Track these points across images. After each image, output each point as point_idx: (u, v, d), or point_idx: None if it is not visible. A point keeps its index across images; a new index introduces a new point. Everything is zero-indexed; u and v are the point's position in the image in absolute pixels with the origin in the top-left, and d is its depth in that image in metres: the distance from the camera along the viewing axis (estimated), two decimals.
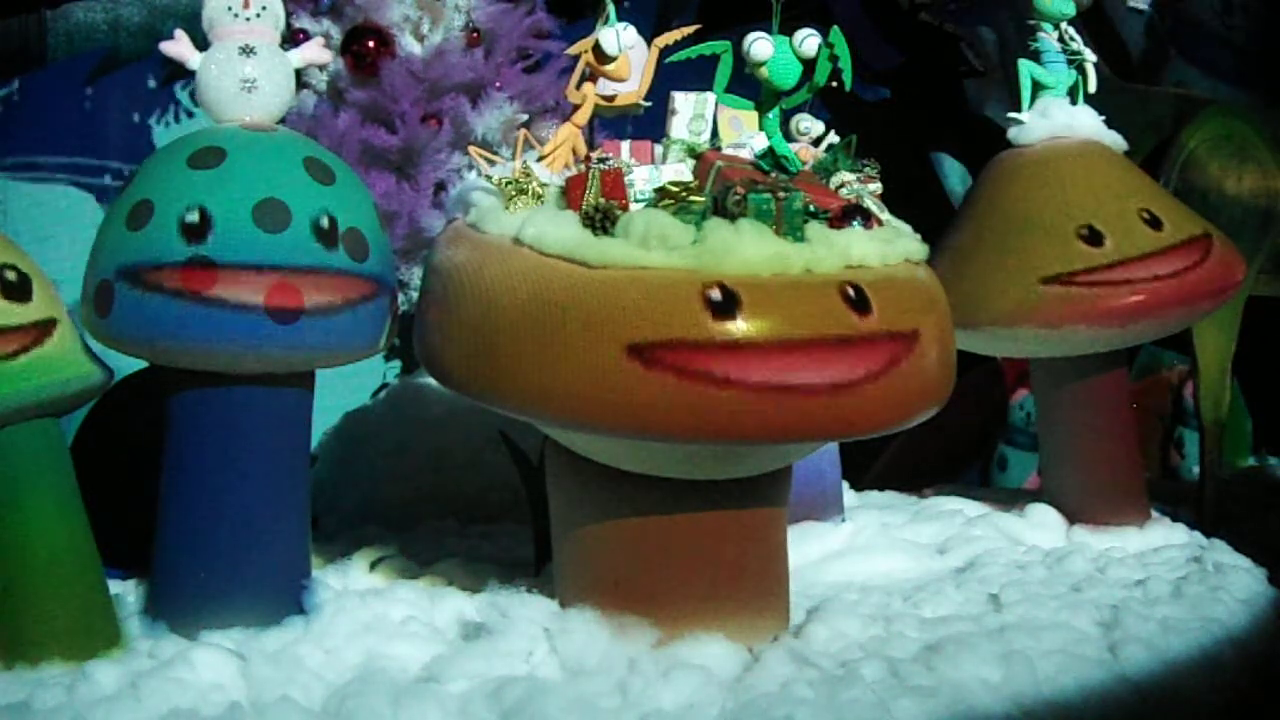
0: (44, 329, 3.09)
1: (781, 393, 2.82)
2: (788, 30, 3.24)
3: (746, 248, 2.86)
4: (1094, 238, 4.11)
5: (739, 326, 2.80)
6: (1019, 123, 4.39)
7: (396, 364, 5.27)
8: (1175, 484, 5.68)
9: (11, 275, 3.07)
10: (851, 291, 2.90)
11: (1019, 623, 3.35)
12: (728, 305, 2.80)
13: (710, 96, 3.26)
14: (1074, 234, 4.12)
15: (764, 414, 2.83)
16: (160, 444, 3.33)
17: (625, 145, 3.22)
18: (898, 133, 5.53)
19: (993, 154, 4.52)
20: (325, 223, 3.18)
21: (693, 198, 3.00)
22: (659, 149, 3.25)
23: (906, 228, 3.24)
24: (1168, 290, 4.13)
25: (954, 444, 5.39)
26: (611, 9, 3.20)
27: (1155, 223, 4.17)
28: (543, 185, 3.09)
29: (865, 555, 4.03)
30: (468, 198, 3.23)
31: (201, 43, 3.32)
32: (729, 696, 2.85)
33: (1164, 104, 5.25)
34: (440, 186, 4.53)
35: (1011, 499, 4.69)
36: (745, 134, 3.30)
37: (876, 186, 3.29)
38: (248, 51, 3.28)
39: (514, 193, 3.07)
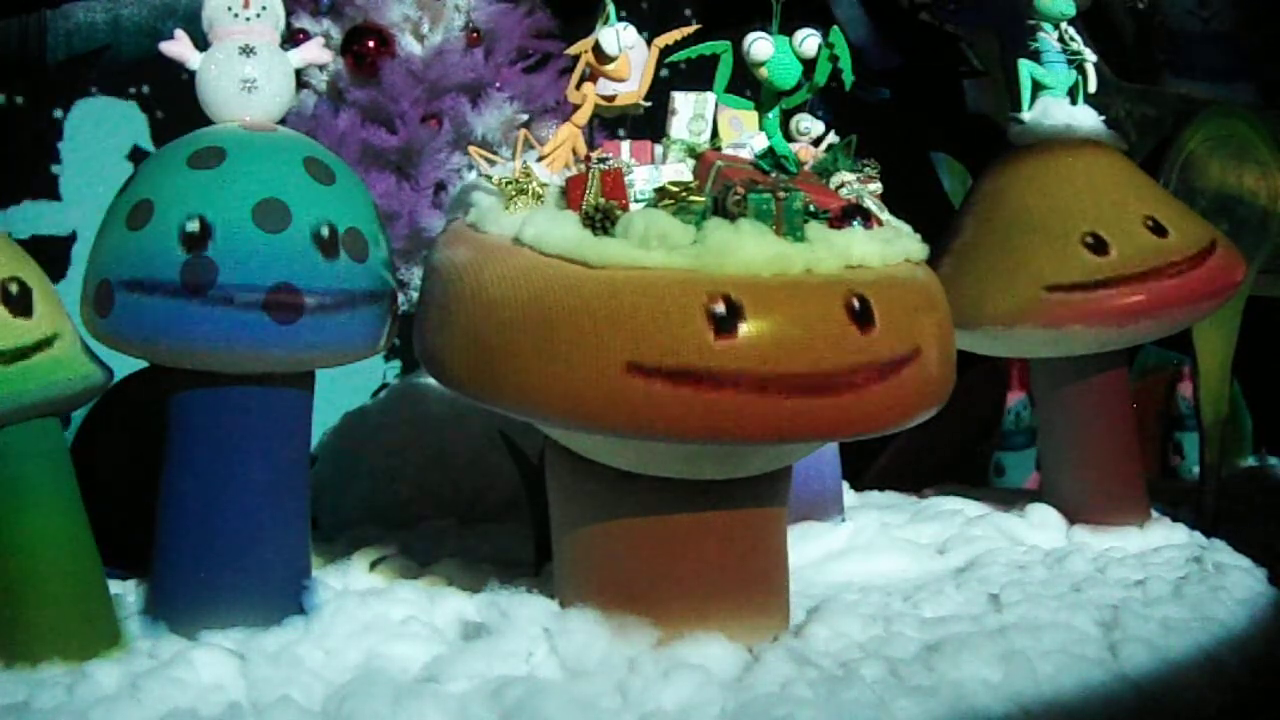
0: (44, 345, 3.09)
1: (782, 404, 2.82)
2: (788, 30, 3.24)
3: (746, 248, 2.86)
4: (1099, 246, 4.10)
5: (741, 344, 2.79)
6: (1019, 123, 4.39)
7: (396, 364, 5.28)
8: (1175, 484, 5.68)
9: (14, 288, 3.07)
10: (856, 304, 2.89)
11: (1019, 623, 3.35)
12: (730, 320, 2.79)
13: (710, 96, 3.26)
14: (1078, 240, 4.12)
15: (764, 422, 2.84)
16: (160, 444, 3.33)
17: (625, 145, 3.22)
18: (898, 133, 5.52)
19: (993, 154, 4.52)
20: (325, 232, 3.18)
21: (693, 198, 3.00)
22: (659, 149, 3.25)
23: (906, 228, 3.24)
24: (1168, 291, 4.13)
25: (954, 444, 5.39)
26: (611, 9, 3.20)
27: (1160, 230, 4.16)
28: (543, 185, 3.09)
29: (865, 555, 4.03)
30: (468, 198, 3.23)
31: (201, 43, 3.33)
32: (729, 696, 2.85)
33: (1164, 104, 5.25)
34: (440, 186, 4.53)
35: (1011, 499, 4.69)
36: (745, 134, 3.30)
37: (876, 186, 3.28)
38: (248, 51, 3.28)
39: (514, 193, 3.08)
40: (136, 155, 4.96)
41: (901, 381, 2.95)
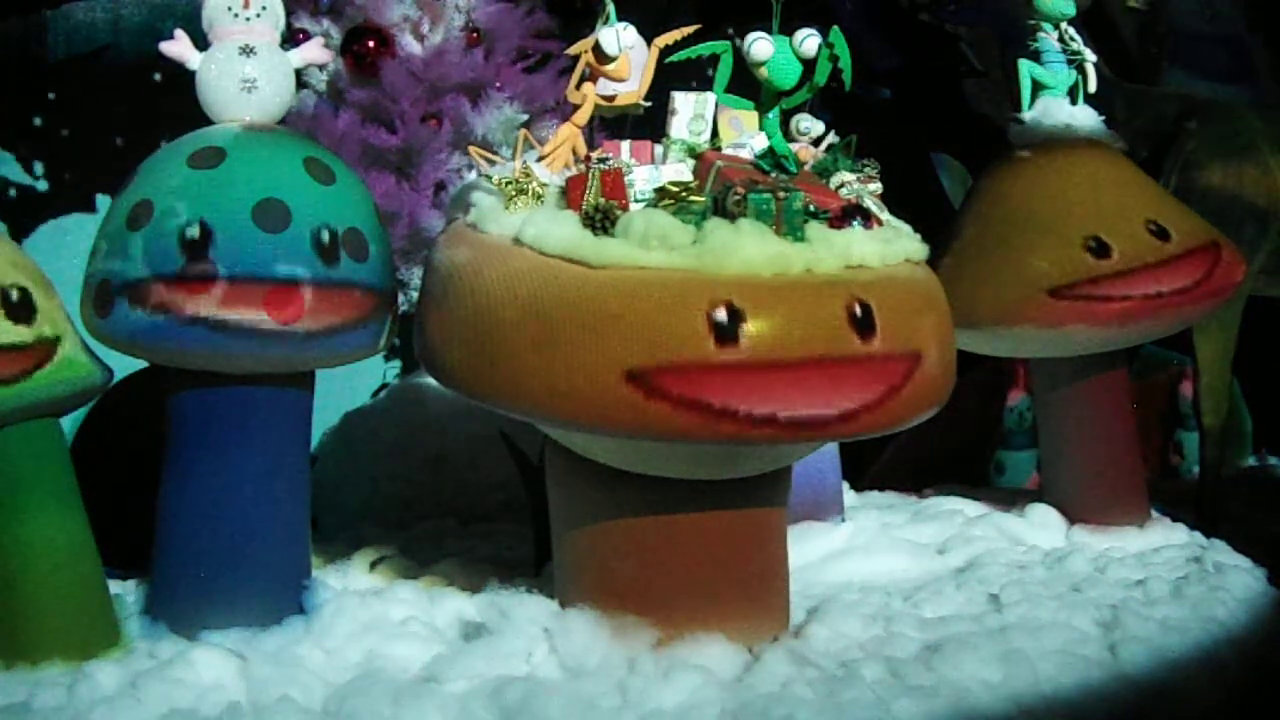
0: (46, 348, 3.08)
1: (783, 423, 2.81)
2: (788, 30, 3.24)
3: (747, 248, 2.86)
4: (1101, 249, 4.10)
5: (741, 355, 2.78)
6: (1019, 123, 4.39)
7: (396, 364, 5.28)
8: (1175, 484, 5.68)
9: (15, 294, 3.07)
10: (859, 310, 2.89)
11: (1019, 623, 3.35)
12: (731, 328, 2.79)
13: (710, 96, 3.26)
14: (1080, 244, 4.11)
15: (764, 437, 2.83)
16: (160, 444, 3.33)
17: (625, 145, 3.22)
18: (898, 133, 5.52)
19: (993, 154, 4.52)
20: (325, 237, 3.18)
21: (693, 198, 3.00)
22: (659, 149, 3.25)
23: (906, 228, 3.24)
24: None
25: (954, 443, 5.39)
26: (612, 9, 3.20)
27: (1162, 233, 4.16)
28: (543, 185, 3.09)
29: (865, 555, 4.03)
30: (468, 198, 3.23)
31: (201, 43, 3.33)
32: (729, 696, 2.85)
33: (1164, 104, 5.24)
34: (440, 186, 4.53)
35: (1011, 499, 4.69)
36: (745, 134, 3.30)
37: (876, 186, 3.28)
38: (248, 51, 3.28)
39: (514, 193, 3.07)
40: None
41: (903, 390, 2.95)
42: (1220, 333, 4.88)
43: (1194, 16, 5.75)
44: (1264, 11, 5.79)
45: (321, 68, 4.52)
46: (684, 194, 3.00)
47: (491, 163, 3.25)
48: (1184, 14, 5.76)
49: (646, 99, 3.27)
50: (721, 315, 2.79)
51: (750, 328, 2.79)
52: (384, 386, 5.20)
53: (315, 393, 3.45)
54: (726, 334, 2.78)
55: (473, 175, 3.37)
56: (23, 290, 3.07)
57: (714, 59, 3.25)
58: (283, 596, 3.29)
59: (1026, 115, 4.37)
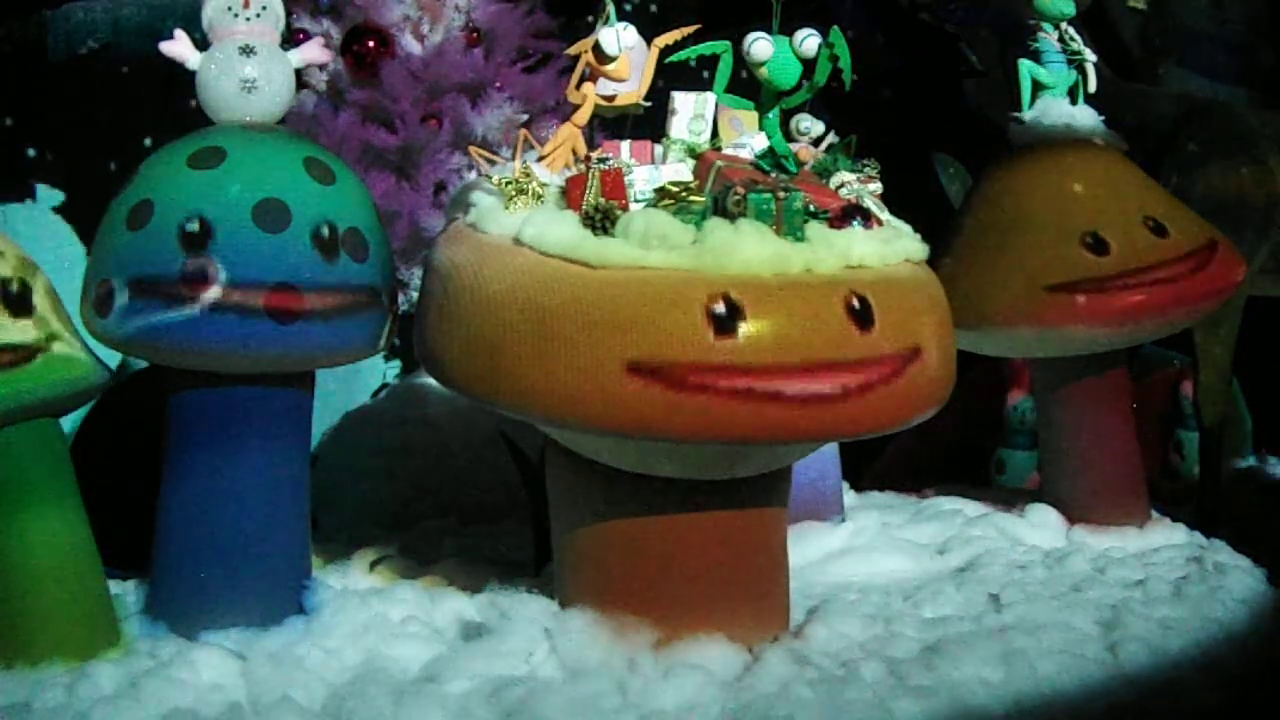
0: (44, 343, 3.08)
1: (782, 404, 2.81)
2: (788, 30, 3.25)
3: (746, 248, 2.86)
4: (1099, 246, 4.11)
5: (741, 344, 2.79)
6: (1019, 122, 4.40)
7: (396, 364, 5.28)
8: (1175, 484, 5.68)
9: (14, 287, 3.07)
10: (856, 303, 2.90)
11: (1019, 623, 3.35)
12: (730, 319, 2.79)
13: (710, 96, 3.26)
14: (1078, 240, 4.12)
15: (764, 422, 2.83)
16: (160, 444, 3.33)
17: (625, 145, 3.22)
18: (898, 133, 5.53)
19: (993, 154, 4.52)
20: (325, 232, 3.18)
21: (693, 198, 3.00)
22: (659, 149, 3.25)
23: (906, 228, 3.24)
24: (1168, 291, 4.13)
25: (954, 443, 5.39)
26: (612, 9, 3.20)
27: (1160, 230, 4.17)
28: (543, 185, 3.09)
29: (865, 555, 4.03)
30: (468, 198, 3.23)
31: (201, 43, 3.33)
32: (729, 696, 2.85)
33: (1164, 104, 5.24)
34: (440, 186, 4.54)
35: (1011, 499, 4.69)
36: (745, 134, 3.31)
37: (876, 186, 3.29)
38: (248, 51, 3.28)
39: (514, 193, 3.07)
40: None
41: (901, 382, 2.95)
42: (1220, 333, 4.88)
43: (1203, 16, 5.75)
44: (1273, 11, 5.79)
45: (321, 68, 4.52)
46: (684, 194, 3.01)
47: (491, 163, 3.25)
48: (1194, 13, 5.76)
49: (646, 99, 3.27)
50: (720, 308, 2.79)
51: (750, 319, 2.80)
52: (384, 386, 5.20)
53: (315, 393, 3.45)
54: (725, 326, 2.79)
55: (473, 175, 3.37)
56: (21, 283, 3.07)
57: (714, 59, 3.26)
58: (283, 596, 3.29)
59: (1026, 115, 4.38)
